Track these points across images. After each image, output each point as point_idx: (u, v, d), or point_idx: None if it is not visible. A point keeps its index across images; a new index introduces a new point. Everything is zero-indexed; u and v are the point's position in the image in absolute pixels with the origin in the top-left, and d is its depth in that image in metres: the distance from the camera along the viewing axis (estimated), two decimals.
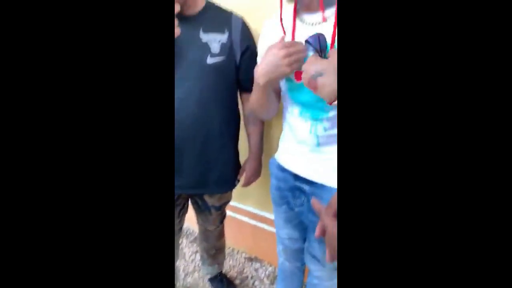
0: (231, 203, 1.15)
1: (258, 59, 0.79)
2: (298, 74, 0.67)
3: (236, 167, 0.99)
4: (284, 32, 0.68)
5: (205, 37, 0.78)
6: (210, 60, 0.78)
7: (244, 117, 0.96)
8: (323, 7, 0.61)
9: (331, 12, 0.63)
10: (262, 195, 1.31)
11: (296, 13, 0.68)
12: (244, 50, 0.82)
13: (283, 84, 0.74)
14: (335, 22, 0.61)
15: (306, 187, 0.78)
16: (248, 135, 0.96)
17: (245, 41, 0.83)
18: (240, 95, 0.94)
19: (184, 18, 0.77)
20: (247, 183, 0.99)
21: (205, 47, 0.78)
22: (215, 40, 0.78)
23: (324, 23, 0.62)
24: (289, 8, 0.69)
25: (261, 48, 0.77)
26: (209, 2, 0.84)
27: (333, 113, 0.66)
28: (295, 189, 0.82)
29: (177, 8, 0.63)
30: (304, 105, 0.70)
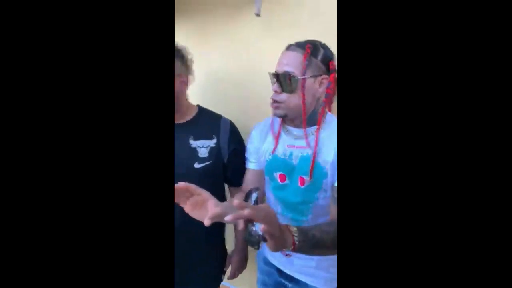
0: (224, 283, 1.11)
1: (247, 155, 0.87)
2: (283, 176, 0.75)
3: (222, 263, 0.99)
4: (273, 136, 0.78)
5: (194, 143, 0.85)
6: (197, 165, 0.84)
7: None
8: (305, 125, 0.70)
9: (312, 130, 0.72)
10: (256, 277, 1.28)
11: (283, 123, 0.78)
12: (231, 151, 0.88)
13: (267, 182, 0.81)
14: (316, 139, 0.69)
15: (289, 285, 0.79)
16: (235, 226, 0.99)
17: (233, 143, 0.89)
18: (228, 188, 0.98)
19: (176, 126, 0.85)
20: (232, 277, 0.98)
21: (193, 152, 0.84)
22: (203, 146, 0.85)
23: (305, 139, 0.71)
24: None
25: (251, 147, 0.85)
26: (201, 108, 0.92)
27: (311, 216, 0.71)
28: (279, 285, 0.82)
29: None
30: (286, 206, 0.76)
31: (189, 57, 0.85)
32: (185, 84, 0.85)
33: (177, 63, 0.81)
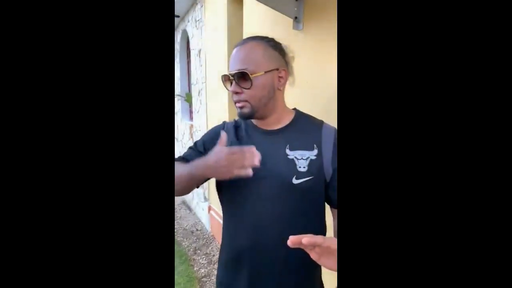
0: None
1: None
2: None
3: None
4: None
5: (291, 153, 0.70)
6: (296, 181, 0.69)
7: (334, 234, 0.77)
8: None
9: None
10: None
11: None
12: (336, 167, 0.71)
13: None
14: None
15: None
16: None
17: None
18: (331, 210, 0.79)
19: (269, 133, 0.74)
20: None
21: (291, 165, 0.69)
22: (302, 157, 0.70)
23: None
24: None
25: None
26: (299, 113, 0.78)
27: None
28: None
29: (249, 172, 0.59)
30: None
31: (290, 54, 0.75)
32: (283, 80, 0.72)
33: (275, 55, 0.70)
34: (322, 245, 0.46)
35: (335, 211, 0.77)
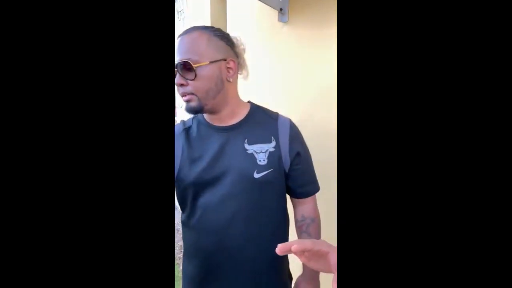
0: None
1: None
2: None
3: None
4: None
5: (250, 148, 0.69)
6: (257, 175, 0.68)
7: (296, 223, 0.79)
8: None
9: None
10: None
11: None
12: (294, 157, 0.72)
13: None
14: None
15: None
16: None
17: (295, 147, 0.72)
18: (291, 200, 0.80)
19: (225, 129, 0.71)
20: None
21: (251, 159, 0.68)
22: (261, 150, 0.69)
23: None
24: None
25: None
26: (254, 106, 0.76)
27: None
28: None
29: None
30: None
31: (241, 46, 0.72)
32: (233, 71, 0.68)
33: (221, 45, 0.66)
34: (313, 249, 0.45)
35: (296, 200, 0.78)
